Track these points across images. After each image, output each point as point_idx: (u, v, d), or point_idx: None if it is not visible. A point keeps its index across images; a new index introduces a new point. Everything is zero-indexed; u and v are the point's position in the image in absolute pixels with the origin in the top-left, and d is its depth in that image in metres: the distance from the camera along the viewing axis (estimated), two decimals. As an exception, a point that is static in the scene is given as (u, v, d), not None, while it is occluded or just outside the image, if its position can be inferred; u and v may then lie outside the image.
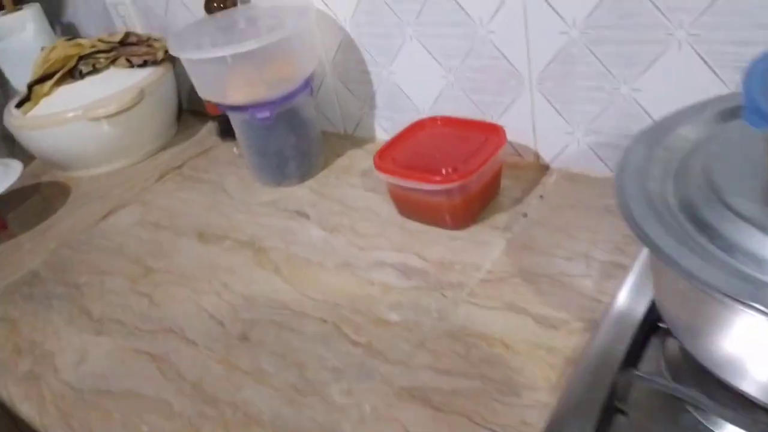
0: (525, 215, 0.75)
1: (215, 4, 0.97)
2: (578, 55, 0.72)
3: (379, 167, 0.76)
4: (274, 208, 0.89)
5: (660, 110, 0.70)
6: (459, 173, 0.70)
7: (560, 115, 0.78)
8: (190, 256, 0.83)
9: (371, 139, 1.02)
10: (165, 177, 1.06)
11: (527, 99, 0.80)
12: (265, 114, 0.86)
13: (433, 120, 0.84)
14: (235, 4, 0.97)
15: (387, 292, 0.68)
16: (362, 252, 0.75)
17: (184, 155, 1.12)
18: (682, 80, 0.66)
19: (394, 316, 0.65)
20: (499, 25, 0.76)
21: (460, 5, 0.78)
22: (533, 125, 0.82)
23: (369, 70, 0.94)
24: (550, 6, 0.71)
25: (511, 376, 0.55)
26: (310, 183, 0.93)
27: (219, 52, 0.79)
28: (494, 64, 0.80)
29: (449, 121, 0.83)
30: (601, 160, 0.79)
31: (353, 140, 1.03)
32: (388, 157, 0.78)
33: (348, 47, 0.93)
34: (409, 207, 0.78)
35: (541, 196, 0.78)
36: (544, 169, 0.83)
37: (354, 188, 0.89)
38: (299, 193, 0.91)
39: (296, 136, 0.91)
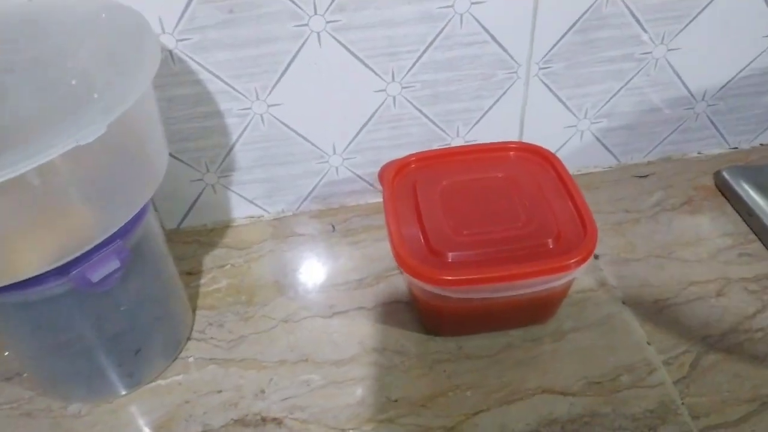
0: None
1: None
2: (608, 15, 0.51)
3: (436, 279, 0.40)
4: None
5: (693, 74, 0.56)
6: (585, 245, 0.42)
7: (564, 104, 0.56)
8: None
9: (225, 223, 0.59)
10: None
11: (518, 94, 0.55)
12: (113, 264, 0.37)
13: (414, 160, 0.50)
14: None
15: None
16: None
17: None
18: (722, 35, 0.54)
19: None
20: (491, -9, 0.48)
21: (423, -35, 0.46)
22: (521, 127, 0.57)
23: (220, 109, 0.51)
24: (580, -51, 0.47)
25: None
26: (193, 358, 0.47)
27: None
28: (475, 54, 0.51)
29: (444, 156, 0.51)
30: (608, 149, 0.61)
31: (186, 237, 0.57)
32: (411, 255, 0.43)
33: (174, 77, 0.48)
34: (473, 318, 0.46)
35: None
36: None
37: (286, 327, 0.49)
38: (190, 380, 0.45)
39: (153, 285, 0.43)
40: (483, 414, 0.42)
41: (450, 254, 0.43)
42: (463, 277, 0.40)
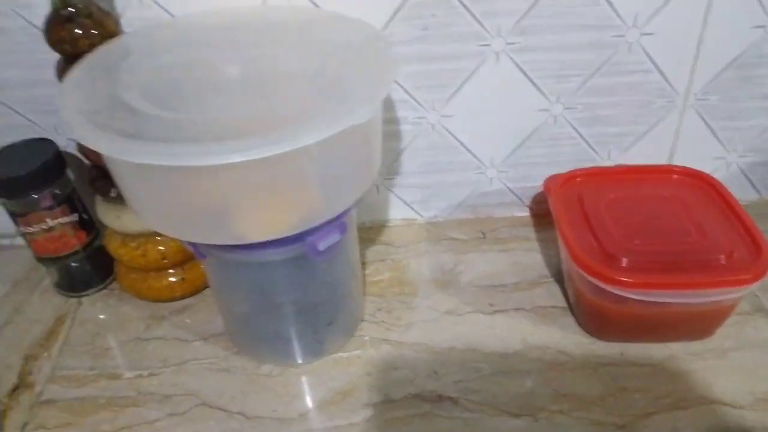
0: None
1: (67, 34, 0.42)
2: (769, 54, 0.54)
3: (616, 280, 0.43)
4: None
5: None
6: (761, 262, 0.44)
7: (715, 136, 0.59)
8: None
9: (382, 222, 0.63)
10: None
11: (672, 123, 0.58)
12: (335, 236, 0.42)
13: (580, 175, 0.54)
14: (108, 35, 0.44)
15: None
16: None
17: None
18: None
19: None
20: (663, 25, 0.52)
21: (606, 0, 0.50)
22: (671, 155, 0.60)
23: (398, 116, 0.56)
24: (754, -11, 0.50)
25: None
26: (368, 338, 0.51)
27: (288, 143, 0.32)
28: (637, 81, 0.55)
29: (608, 173, 0.55)
30: (752, 184, 0.63)
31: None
32: (587, 256, 0.46)
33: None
34: (639, 324, 0.48)
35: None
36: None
37: (450, 319, 0.52)
38: (367, 355, 0.49)
39: (348, 263, 0.48)
40: (654, 416, 0.44)
41: (624, 259, 0.45)
42: (644, 280, 0.43)
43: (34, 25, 0.50)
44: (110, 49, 0.42)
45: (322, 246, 0.41)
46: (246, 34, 0.45)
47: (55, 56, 0.45)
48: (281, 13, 0.48)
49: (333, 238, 0.41)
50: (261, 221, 0.37)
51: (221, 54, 0.42)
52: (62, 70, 0.44)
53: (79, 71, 0.39)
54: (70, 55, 0.42)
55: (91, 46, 0.42)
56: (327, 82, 0.39)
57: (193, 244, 0.42)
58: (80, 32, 0.42)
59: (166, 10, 0.49)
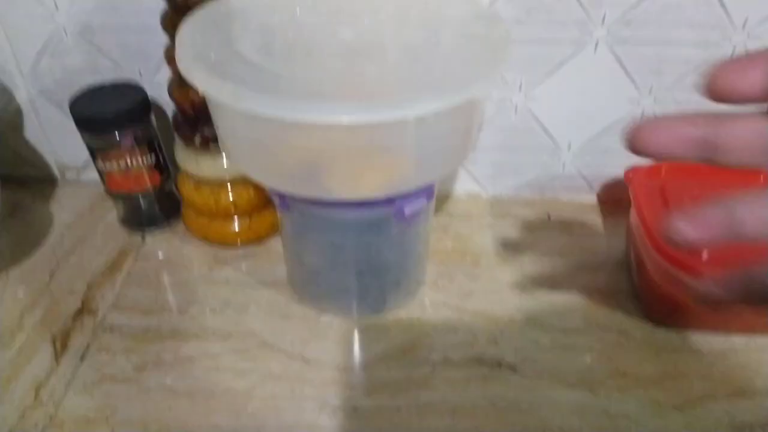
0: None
1: None
2: None
3: (696, 271, 0.43)
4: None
5: None
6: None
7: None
8: None
9: (446, 193, 0.64)
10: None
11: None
12: (422, 202, 0.43)
13: (666, 168, 0.54)
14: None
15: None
16: None
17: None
18: None
19: None
20: (769, 22, 0.51)
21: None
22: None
23: (481, 89, 0.57)
24: None
25: None
26: (428, 301, 0.52)
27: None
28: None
29: (696, 170, 0.53)
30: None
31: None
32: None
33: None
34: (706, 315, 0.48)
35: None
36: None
37: (512, 291, 0.53)
38: (427, 317, 0.50)
39: (423, 227, 0.48)
40: (712, 402, 0.44)
41: (704, 252, 0.45)
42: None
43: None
44: (221, 5, 0.43)
45: (408, 211, 0.42)
46: (357, 4, 0.45)
47: (157, 5, 0.47)
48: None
49: (420, 204, 0.42)
50: (358, 181, 0.38)
51: (332, 19, 0.42)
52: (168, 20, 0.46)
53: (191, 24, 0.39)
54: (179, 6, 0.44)
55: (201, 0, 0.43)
56: (441, 55, 0.39)
57: (281, 196, 0.43)
58: (194, -16, 0.43)
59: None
